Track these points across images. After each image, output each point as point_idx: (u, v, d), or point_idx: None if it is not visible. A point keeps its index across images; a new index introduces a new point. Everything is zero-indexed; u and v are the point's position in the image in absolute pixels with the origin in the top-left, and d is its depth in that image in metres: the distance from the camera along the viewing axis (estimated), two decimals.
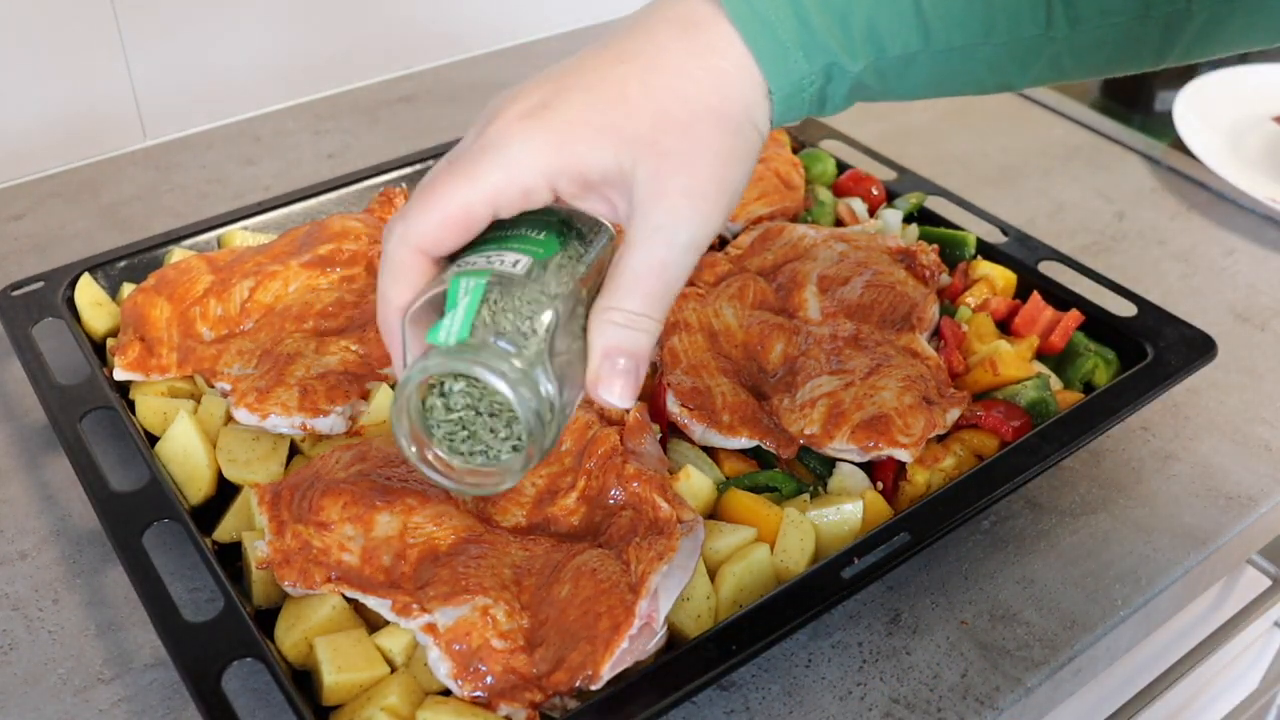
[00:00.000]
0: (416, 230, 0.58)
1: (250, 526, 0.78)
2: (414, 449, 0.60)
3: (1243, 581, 1.06)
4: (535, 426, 0.56)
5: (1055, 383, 0.91)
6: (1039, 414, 0.86)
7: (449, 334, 0.56)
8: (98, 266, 0.97)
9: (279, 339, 0.89)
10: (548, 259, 0.59)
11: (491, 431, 0.60)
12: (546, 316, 0.57)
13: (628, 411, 0.83)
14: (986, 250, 1.03)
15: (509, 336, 0.56)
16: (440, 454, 0.61)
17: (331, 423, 0.84)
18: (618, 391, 0.60)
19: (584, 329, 0.60)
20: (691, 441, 0.85)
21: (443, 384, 0.59)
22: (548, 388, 0.56)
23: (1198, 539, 0.85)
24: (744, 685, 0.74)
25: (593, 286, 0.61)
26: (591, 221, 0.63)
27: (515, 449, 0.60)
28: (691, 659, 0.67)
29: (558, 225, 0.61)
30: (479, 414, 0.59)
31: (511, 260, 0.58)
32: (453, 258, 0.60)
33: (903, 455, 0.82)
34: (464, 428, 0.60)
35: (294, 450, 0.85)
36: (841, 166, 1.13)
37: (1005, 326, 0.96)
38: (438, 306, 0.58)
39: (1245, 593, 1.04)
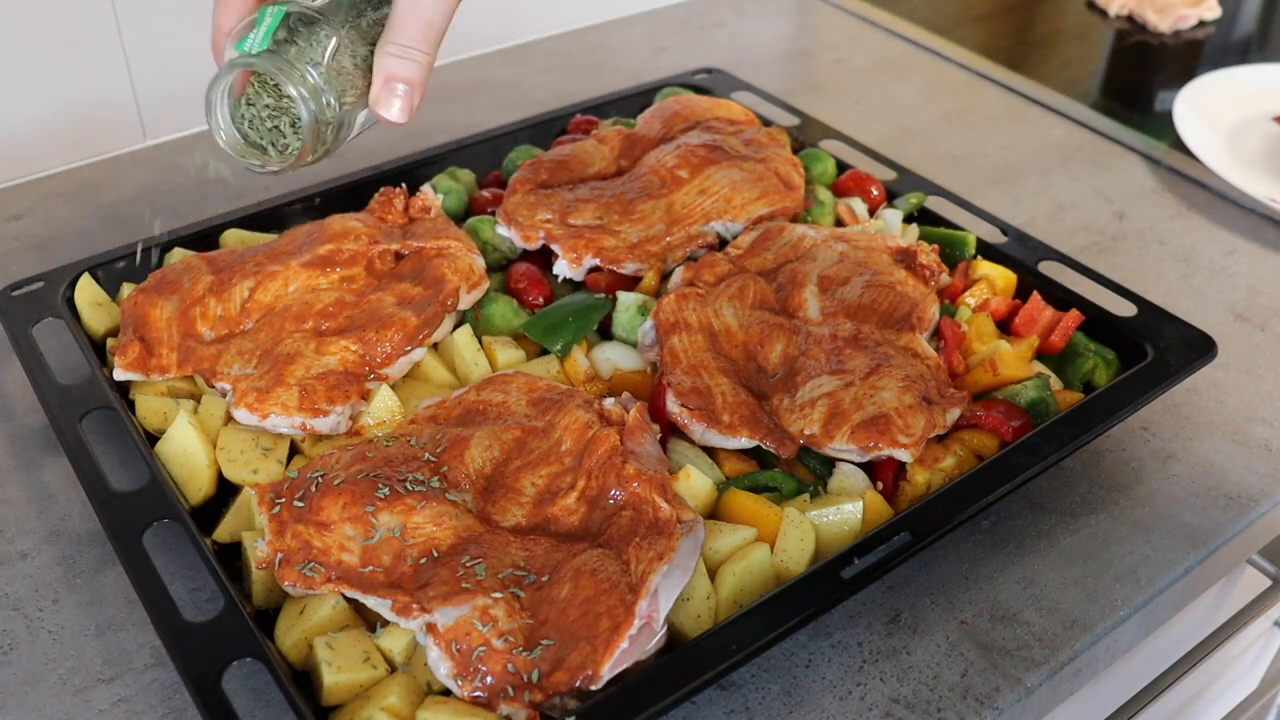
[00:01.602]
0: None
1: (250, 526, 0.78)
2: (228, 144, 0.75)
3: (1243, 581, 1.06)
4: (310, 122, 0.72)
5: (1055, 383, 0.91)
6: (1039, 414, 0.86)
7: (252, 44, 0.71)
8: (98, 266, 0.97)
9: (279, 339, 0.89)
10: (342, 2, 0.74)
11: (281, 129, 0.75)
12: (331, 41, 0.72)
13: (628, 411, 0.83)
14: (986, 250, 1.03)
15: (300, 51, 0.71)
16: (243, 147, 0.76)
17: (331, 423, 0.84)
18: (396, 109, 0.74)
19: (366, 67, 0.75)
20: (691, 441, 0.85)
21: (249, 89, 0.74)
22: (328, 97, 0.72)
23: (1198, 539, 0.85)
24: (744, 685, 0.74)
25: (360, 34, 0.75)
26: None
27: (294, 143, 0.75)
28: (691, 659, 0.67)
29: None
30: (274, 115, 0.75)
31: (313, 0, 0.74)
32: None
33: (903, 455, 0.82)
34: (260, 123, 0.75)
35: (294, 450, 0.85)
36: (841, 166, 1.13)
37: (1005, 326, 0.96)
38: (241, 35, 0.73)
39: (1245, 593, 1.04)
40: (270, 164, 0.76)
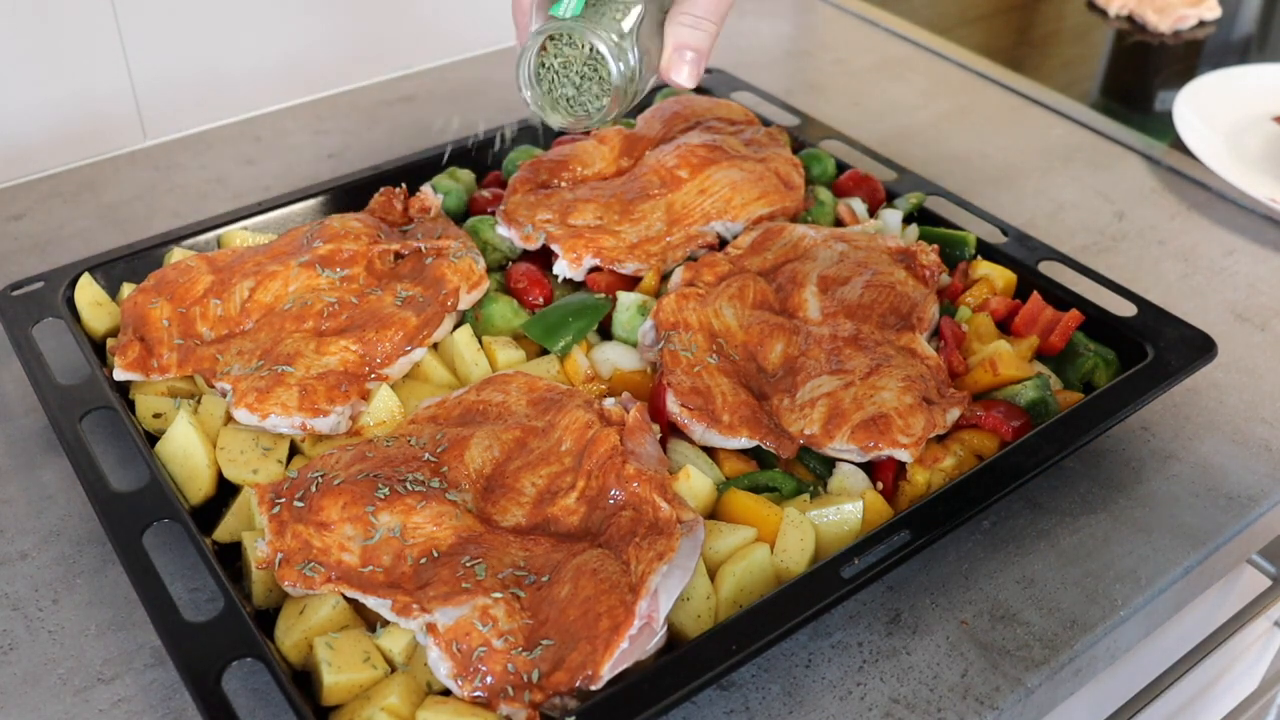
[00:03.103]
0: None
1: (250, 526, 0.78)
2: (529, 92, 0.83)
3: (1243, 581, 1.06)
4: (622, 84, 0.79)
5: (1055, 383, 0.91)
6: (1039, 414, 0.86)
7: (568, 8, 0.78)
8: (97, 266, 0.97)
9: (279, 339, 0.89)
10: None
11: (584, 86, 0.82)
12: (638, 11, 0.79)
13: (628, 411, 0.83)
14: (986, 250, 1.03)
15: (610, 18, 0.78)
16: (542, 99, 0.83)
17: (331, 423, 0.84)
18: (685, 74, 0.81)
19: (658, 35, 0.81)
20: (691, 441, 0.85)
21: (549, 50, 0.81)
22: (633, 58, 0.79)
23: (1198, 539, 0.85)
24: (744, 685, 0.74)
25: (657, 6, 0.82)
26: None
27: (597, 103, 0.82)
28: (691, 659, 0.67)
29: None
30: (576, 73, 0.82)
31: None
32: None
33: (903, 455, 0.82)
34: (565, 80, 0.82)
35: (294, 450, 0.85)
36: (841, 166, 1.13)
37: (1005, 326, 0.96)
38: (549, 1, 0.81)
39: (1245, 593, 1.04)
40: (576, 120, 0.83)
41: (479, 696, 0.67)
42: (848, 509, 0.79)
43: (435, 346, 0.93)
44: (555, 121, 0.84)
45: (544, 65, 0.82)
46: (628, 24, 0.79)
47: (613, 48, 0.78)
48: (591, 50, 0.80)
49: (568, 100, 0.83)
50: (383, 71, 1.41)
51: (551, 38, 0.81)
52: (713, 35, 0.81)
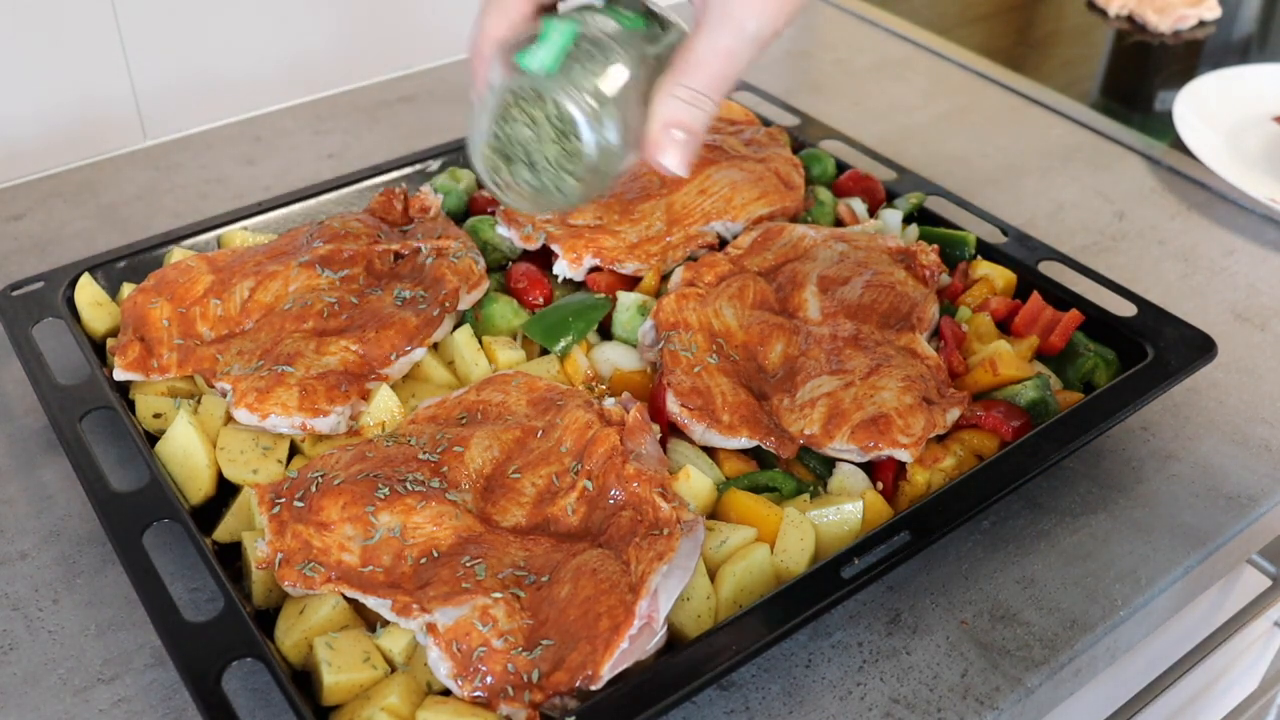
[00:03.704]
0: None
1: (250, 526, 0.78)
2: (484, 164, 0.69)
3: (1243, 581, 1.06)
4: (595, 159, 0.65)
5: (1055, 383, 0.91)
6: (1039, 414, 0.86)
7: (540, 62, 0.64)
8: (97, 266, 0.97)
9: (279, 339, 0.89)
10: (633, 31, 0.67)
11: (549, 158, 0.67)
12: (624, 75, 0.65)
13: (628, 411, 0.83)
14: (986, 250, 1.03)
15: (589, 80, 0.64)
16: (504, 172, 0.69)
17: (331, 423, 0.84)
18: (675, 159, 0.67)
19: (645, 102, 0.67)
20: (691, 441, 0.85)
21: (511, 111, 0.67)
22: (613, 133, 0.65)
23: (1198, 539, 0.85)
24: (744, 685, 0.74)
25: (658, 71, 0.68)
26: (670, 18, 0.71)
27: (568, 182, 0.68)
28: (691, 659, 0.67)
29: (644, 10, 0.70)
30: (539, 144, 0.67)
31: (602, 22, 0.67)
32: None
33: (903, 455, 0.82)
34: (525, 151, 0.68)
35: (294, 450, 0.85)
36: (841, 166, 1.13)
37: (1005, 326, 0.96)
38: (517, 49, 0.66)
39: (1245, 593, 1.04)
40: (537, 202, 0.69)
41: (479, 696, 0.67)
42: (848, 509, 0.79)
43: (435, 346, 0.93)
44: (511, 202, 0.70)
45: (501, 129, 0.68)
46: (610, 88, 0.65)
47: (590, 114, 0.64)
48: (561, 115, 0.65)
49: (529, 176, 0.69)
50: (383, 71, 1.41)
51: (509, 104, 0.66)
52: (711, 114, 0.67)
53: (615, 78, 0.65)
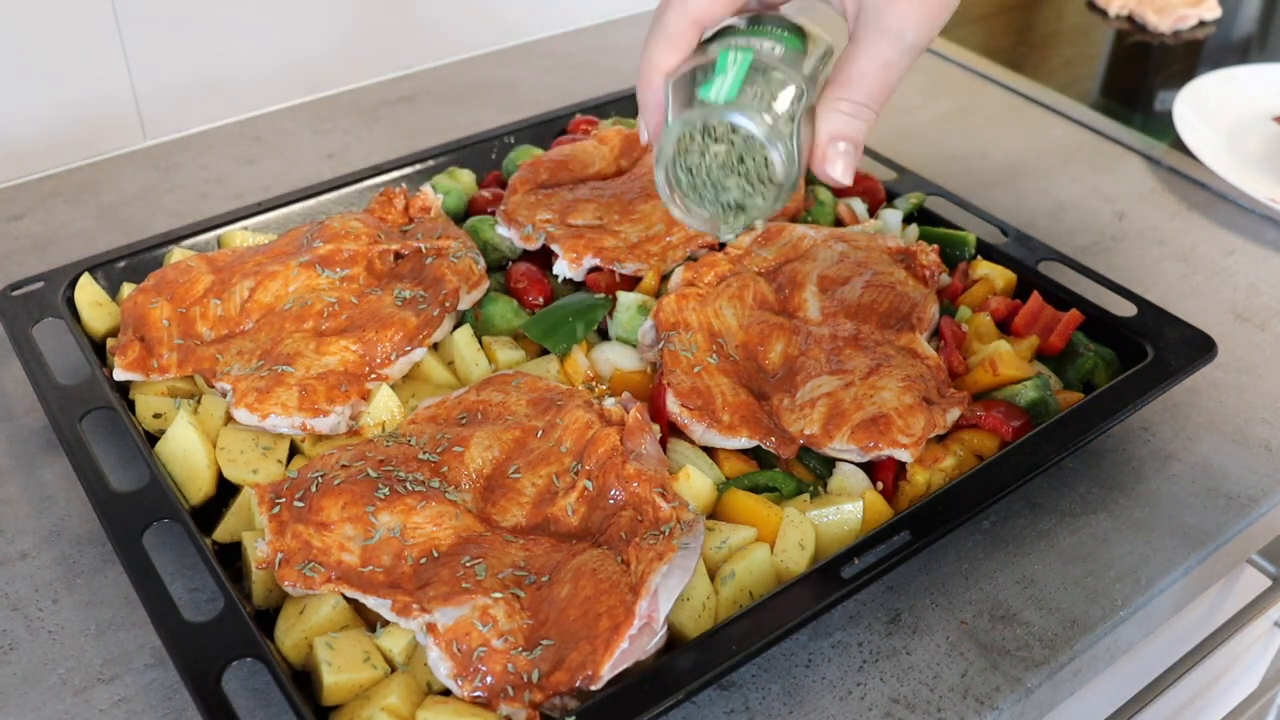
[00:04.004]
0: (695, 3, 0.68)
1: (250, 526, 0.78)
2: (670, 192, 0.72)
3: (1243, 581, 1.06)
4: (784, 180, 0.68)
5: (1055, 383, 0.91)
6: (1039, 414, 0.86)
7: (719, 93, 0.67)
8: (97, 266, 0.97)
9: (279, 339, 0.89)
10: (796, 51, 0.70)
11: (733, 183, 0.71)
12: (797, 94, 0.68)
13: (628, 411, 0.83)
14: (986, 250, 1.03)
15: (767, 104, 0.67)
16: (685, 198, 0.72)
17: (331, 423, 0.84)
18: (840, 170, 0.69)
19: (810, 119, 0.70)
20: (691, 441, 0.85)
21: (693, 139, 0.70)
22: (795, 151, 0.68)
23: (1198, 539, 0.85)
24: (744, 685, 0.74)
25: (815, 86, 0.71)
26: (818, 32, 0.74)
27: (747, 199, 0.71)
28: (691, 659, 0.67)
29: (796, 29, 0.72)
30: (722, 169, 0.70)
31: (770, 45, 0.70)
32: (704, 44, 0.71)
33: (903, 455, 0.82)
34: (708, 177, 0.71)
35: (294, 450, 0.85)
36: None
37: (1005, 326, 0.96)
38: (690, 78, 0.69)
39: (1245, 593, 1.04)
40: (724, 223, 0.72)
41: (479, 696, 0.67)
42: (848, 509, 0.79)
43: (435, 346, 0.93)
44: (697, 226, 0.73)
45: (686, 159, 0.70)
46: (786, 106, 0.67)
47: (774, 136, 0.67)
48: (745, 142, 0.68)
49: (715, 200, 0.71)
50: (383, 71, 1.41)
51: (690, 134, 0.69)
52: (871, 125, 0.69)
53: (790, 99, 0.68)
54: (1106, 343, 0.94)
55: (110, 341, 0.92)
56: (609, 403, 0.84)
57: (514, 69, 1.44)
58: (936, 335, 0.94)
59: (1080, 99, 1.41)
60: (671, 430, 0.85)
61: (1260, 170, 1.25)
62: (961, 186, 1.20)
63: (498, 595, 0.69)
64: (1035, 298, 0.96)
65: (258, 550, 0.74)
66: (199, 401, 0.87)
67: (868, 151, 1.14)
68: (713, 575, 0.75)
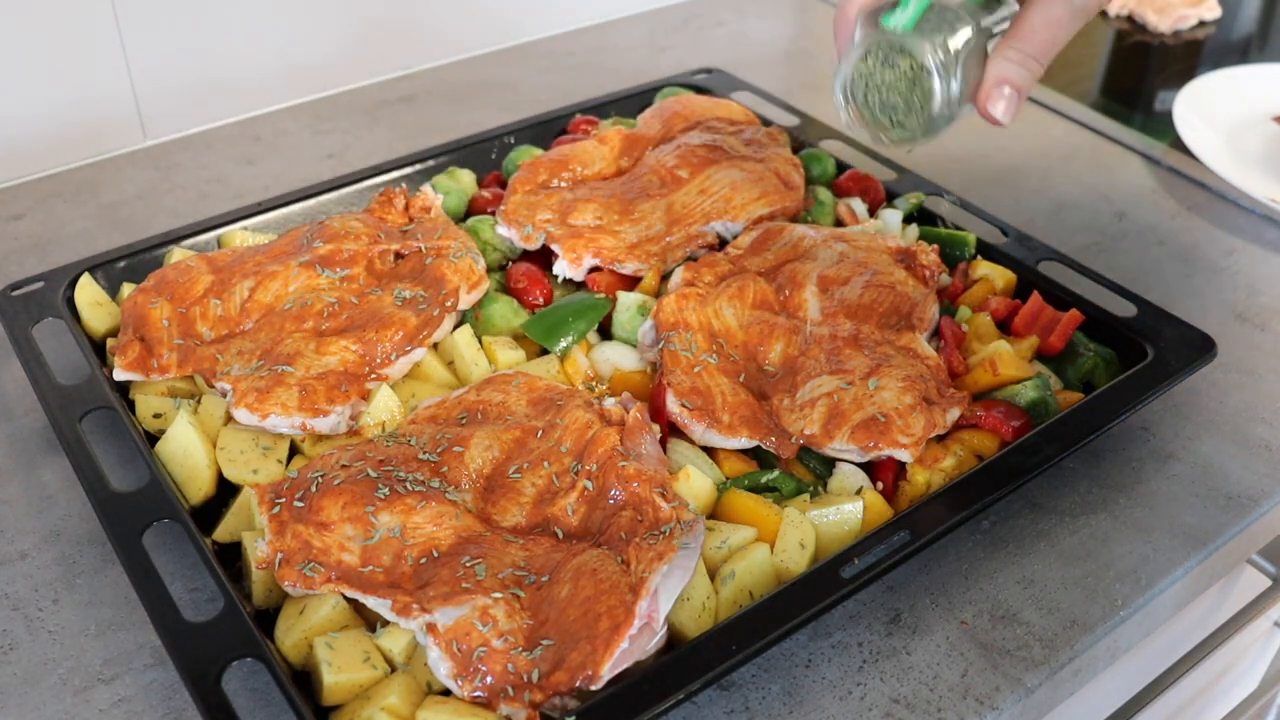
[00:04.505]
0: None
1: (250, 526, 0.78)
2: (843, 100, 0.82)
3: (1243, 581, 1.06)
4: (942, 107, 0.79)
5: (1055, 383, 0.91)
6: (1039, 414, 0.86)
7: (899, 22, 0.78)
8: (97, 266, 0.97)
9: (279, 339, 0.89)
10: (978, 4, 0.80)
11: (897, 105, 0.81)
12: (966, 37, 0.78)
13: (628, 411, 0.83)
14: (986, 250, 1.03)
15: (938, 39, 0.78)
16: (858, 110, 0.83)
17: (331, 423, 0.84)
18: (1001, 109, 0.79)
19: (979, 64, 0.80)
20: (691, 441, 0.85)
21: (871, 60, 0.81)
22: (955, 85, 0.78)
23: (1198, 539, 0.85)
24: (744, 685, 0.74)
25: (990, 39, 0.81)
26: None
27: (912, 121, 0.81)
28: (691, 659, 0.67)
29: None
30: (892, 90, 0.81)
31: None
32: None
33: (903, 455, 0.82)
34: (877, 96, 0.81)
35: (294, 450, 0.85)
36: (841, 166, 1.13)
37: (1005, 326, 0.96)
38: (877, 12, 0.80)
39: (1245, 593, 1.04)
40: (883, 135, 0.83)
41: (479, 696, 0.67)
42: (848, 509, 0.79)
43: (435, 346, 0.93)
44: (860, 137, 0.84)
45: (858, 81, 0.82)
46: (956, 45, 0.78)
47: (940, 66, 0.77)
48: (913, 68, 0.79)
49: (879, 114, 0.82)
50: (383, 71, 1.41)
51: (868, 54, 0.80)
52: (1036, 75, 0.79)
53: (959, 39, 0.78)
54: (1106, 343, 0.94)
55: (110, 341, 0.92)
56: (609, 403, 0.84)
57: (514, 69, 1.44)
58: (936, 335, 0.94)
59: (1080, 99, 1.41)
60: (671, 430, 0.85)
61: (1260, 170, 1.25)
62: (961, 186, 1.20)
63: (498, 595, 0.69)
64: (1035, 298, 0.96)
65: (258, 550, 0.74)
66: (199, 401, 0.87)
67: (868, 151, 1.14)
68: (713, 575, 0.75)
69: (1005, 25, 0.81)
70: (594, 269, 0.98)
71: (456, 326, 0.94)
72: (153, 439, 0.85)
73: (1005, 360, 0.89)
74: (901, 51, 0.79)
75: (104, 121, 1.24)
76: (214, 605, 0.71)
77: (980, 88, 0.79)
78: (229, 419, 0.85)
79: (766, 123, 1.17)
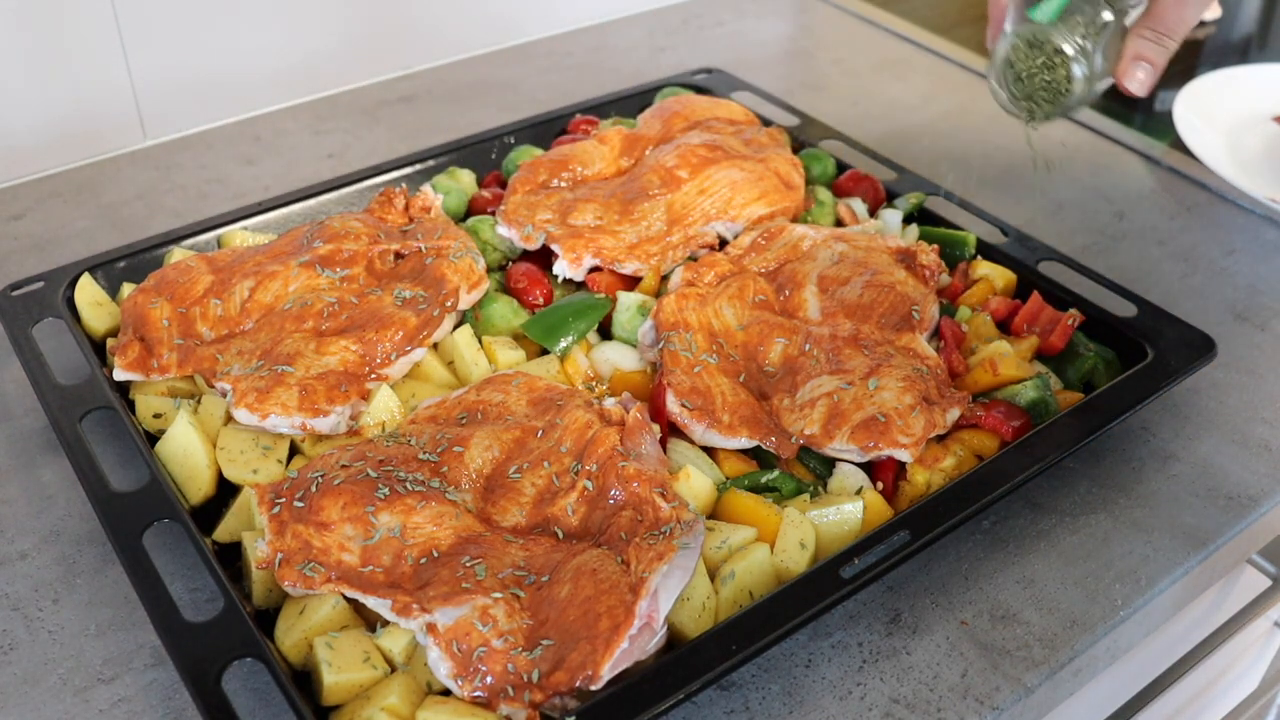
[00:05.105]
0: None
1: (250, 526, 0.78)
2: (996, 84, 0.98)
3: (1243, 581, 1.06)
4: (1082, 88, 0.94)
5: (1055, 383, 0.91)
6: (1039, 414, 0.86)
7: (1044, 13, 0.93)
8: (98, 266, 0.97)
9: (279, 339, 0.89)
10: None
11: (1046, 84, 0.96)
12: (1107, 18, 0.92)
13: (628, 411, 0.83)
14: (986, 250, 1.03)
15: (1079, 28, 0.92)
16: (1009, 90, 0.98)
17: (331, 423, 0.84)
18: (1138, 82, 0.94)
19: (1118, 42, 0.94)
20: (691, 441, 0.85)
21: (1020, 47, 0.96)
22: (1098, 65, 0.93)
23: (1198, 539, 0.85)
24: (744, 685, 0.74)
25: (1122, 23, 0.94)
26: None
27: (1058, 101, 0.96)
28: (691, 659, 0.67)
29: None
30: (1038, 72, 0.96)
31: None
32: None
33: (903, 455, 0.82)
34: (1027, 78, 0.97)
35: (294, 450, 0.85)
36: (841, 166, 1.13)
37: (1005, 326, 0.96)
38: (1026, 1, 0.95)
39: (1245, 593, 1.04)
40: (1028, 112, 0.97)
41: (479, 696, 0.67)
42: (848, 509, 0.79)
43: (435, 346, 0.93)
44: (1011, 112, 0.98)
45: (1008, 69, 0.96)
46: (1096, 31, 0.92)
47: (1081, 52, 0.91)
48: (1058, 55, 0.93)
49: (1031, 100, 0.96)
50: (383, 71, 1.41)
51: (1017, 43, 0.94)
52: (1170, 52, 0.91)
53: (1098, 26, 0.91)
54: (1106, 343, 0.94)
55: (110, 341, 0.92)
56: (609, 403, 0.84)
57: (514, 69, 1.44)
58: (936, 335, 0.94)
59: None
60: (671, 430, 0.85)
61: (1260, 170, 1.25)
62: (961, 187, 1.20)
63: (498, 595, 0.69)
64: (1035, 298, 0.96)
65: (258, 550, 0.74)
66: (199, 401, 0.87)
67: (868, 151, 1.14)
68: (713, 575, 0.75)
69: (1141, 7, 0.93)
70: (594, 269, 0.98)
71: (456, 326, 0.94)
72: (153, 439, 0.85)
73: (1005, 360, 0.89)
74: (1047, 41, 0.93)
75: (104, 121, 1.24)
76: (214, 605, 0.71)
77: (1119, 63, 0.92)
78: (229, 419, 0.85)
79: (766, 123, 1.17)
